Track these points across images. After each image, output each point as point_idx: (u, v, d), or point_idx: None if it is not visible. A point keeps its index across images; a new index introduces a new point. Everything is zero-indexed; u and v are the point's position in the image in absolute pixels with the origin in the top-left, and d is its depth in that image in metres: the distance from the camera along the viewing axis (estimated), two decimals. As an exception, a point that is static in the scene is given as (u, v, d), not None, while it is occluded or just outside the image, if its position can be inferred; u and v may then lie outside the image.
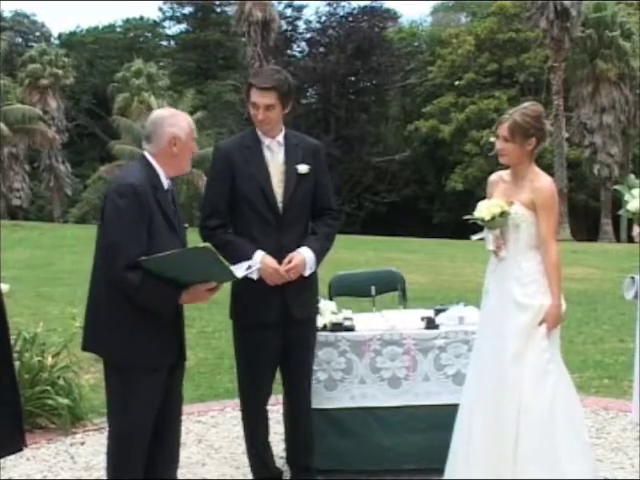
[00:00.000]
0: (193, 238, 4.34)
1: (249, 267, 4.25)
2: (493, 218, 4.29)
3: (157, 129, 4.07)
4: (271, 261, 4.49)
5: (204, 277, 3.96)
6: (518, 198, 4.33)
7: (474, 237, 4.49)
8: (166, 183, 4.09)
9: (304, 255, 4.56)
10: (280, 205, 4.59)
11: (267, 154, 4.64)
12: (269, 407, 4.84)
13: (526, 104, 4.48)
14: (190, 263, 3.89)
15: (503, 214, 4.29)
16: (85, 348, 4.15)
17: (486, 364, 4.37)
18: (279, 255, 4.53)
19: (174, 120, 4.08)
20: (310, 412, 4.85)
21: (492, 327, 4.38)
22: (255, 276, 4.43)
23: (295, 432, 4.84)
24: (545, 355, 4.27)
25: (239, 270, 4.12)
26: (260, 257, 4.48)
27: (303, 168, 4.64)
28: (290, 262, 4.52)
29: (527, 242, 4.33)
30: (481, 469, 4.29)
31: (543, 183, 4.33)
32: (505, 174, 4.49)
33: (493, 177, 4.55)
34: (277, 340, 4.62)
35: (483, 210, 4.31)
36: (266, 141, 4.64)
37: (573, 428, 4.30)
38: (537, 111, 4.40)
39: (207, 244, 3.96)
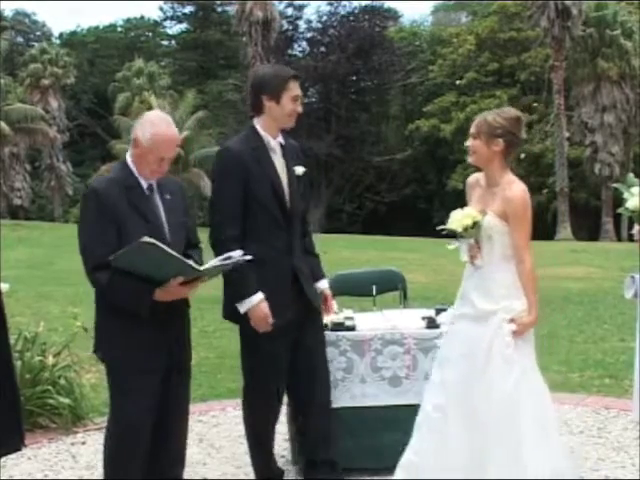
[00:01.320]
0: (202, 237, 4.33)
1: (228, 257, 4.08)
2: (465, 229, 4.22)
3: (133, 128, 4.15)
4: (265, 307, 4.38)
5: (169, 272, 3.91)
6: (491, 207, 4.23)
7: (450, 246, 4.38)
8: (145, 182, 4.07)
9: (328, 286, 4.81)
10: (288, 206, 4.53)
11: (272, 155, 4.54)
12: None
13: (506, 108, 4.41)
14: (149, 258, 3.84)
15: (475, 224, 4.20)
16: (94, 351, 4.20)
17: (457, 368, 4.22)
18: (289, 256, 4.48)
19: (143, 124, 4.10)
20: (330, 405, 4.75)
21: (464, 335, 4.25)
22: (230, 268, 4.18)
23: (317, 427, 4.65)
24: (510, 345, 4.10)
25: (213, 262, 4.04)
26: (257, 300, 4.37)
27: (300, 169, 4.61)
28: (329, 304, 4.78)
29: (501, 253, 4.22)
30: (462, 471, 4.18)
31: (514, 192, 4.20)
32: (482, 177, 4.39)
33: (471, 179, 4.46)
34: (289, 345, 4.51)
35: (455, 222, 4.22)
36: (271, 142, 4.54)
37: (539, 414, 4.14)
38: (512, 114, 4.28)
39: (150, 239, 3.79)
